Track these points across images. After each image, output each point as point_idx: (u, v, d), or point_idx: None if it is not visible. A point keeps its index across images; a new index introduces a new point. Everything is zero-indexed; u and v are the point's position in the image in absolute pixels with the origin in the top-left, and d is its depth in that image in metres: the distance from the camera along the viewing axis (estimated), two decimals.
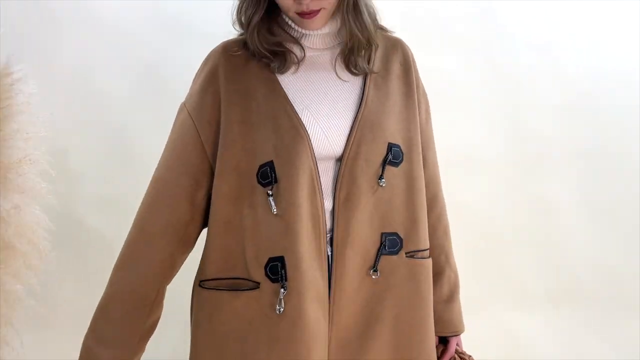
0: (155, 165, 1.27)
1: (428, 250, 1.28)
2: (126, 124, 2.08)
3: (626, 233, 2.32)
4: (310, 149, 1.16)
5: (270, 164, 1.17)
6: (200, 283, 1.23)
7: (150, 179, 1.26)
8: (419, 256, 1.25)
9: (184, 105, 1.27)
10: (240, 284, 1.19)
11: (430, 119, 1.37)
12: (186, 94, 1.29)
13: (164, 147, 1.27)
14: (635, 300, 2.31)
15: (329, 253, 1.18)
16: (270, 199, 1.16)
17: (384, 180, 1.20)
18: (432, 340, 1.26)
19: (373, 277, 1.19)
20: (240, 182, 1.19)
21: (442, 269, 1.34)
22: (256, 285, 1.17)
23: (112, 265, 1.23)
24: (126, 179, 1.98)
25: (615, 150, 2.32)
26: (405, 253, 1.23)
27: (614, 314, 2.30)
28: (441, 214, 1.37)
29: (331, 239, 1.18)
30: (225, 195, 1.21)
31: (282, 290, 1.13)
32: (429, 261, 1.27)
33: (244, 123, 1.20)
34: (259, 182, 1.18)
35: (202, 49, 1.28)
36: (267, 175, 1.17)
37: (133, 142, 2.08)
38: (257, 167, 1.18)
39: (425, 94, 1.36)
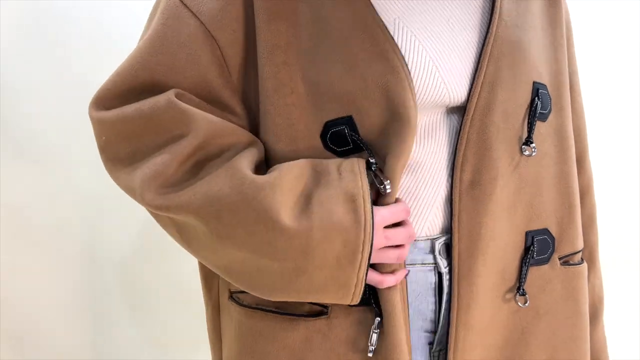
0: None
1: (581, 252, 0.83)
2: None
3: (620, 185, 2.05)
4: (411, 94, 0.68)
5: (349, 122, 0.69)
6: (232, 294, 0.78)
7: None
8: (575, 261, 0.80)
9: None
10: (296, 305, 0.73)
11: (572, 38, 0.87)
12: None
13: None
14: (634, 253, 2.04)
15: (444, 269, 0.73)
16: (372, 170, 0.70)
17: (534, 145, 0.72)
18: None
19: (520, 303, 0.73)
20: (297, 149, 0.71)
21: None
22: (322, 311, 0.72)
23: None
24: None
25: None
26: (559, 258, 0.78)
27: (613, 269, 2.04)
28: (587, 189, 0.89)
29: (447, 246, 0.73)
30: None
31: (377, 319, 0.69)
32: (585, 267, 0.82)
33: (294, 47, 0.71)
34: (330, 149, 0.70)
35: None
36: (344, 139, 0.69)
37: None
38: (322, 125, 0.70)
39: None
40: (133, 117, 0.70)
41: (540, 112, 0.74)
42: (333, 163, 0.69)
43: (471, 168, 0.71)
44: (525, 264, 0.73)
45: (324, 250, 0.64)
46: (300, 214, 0.64)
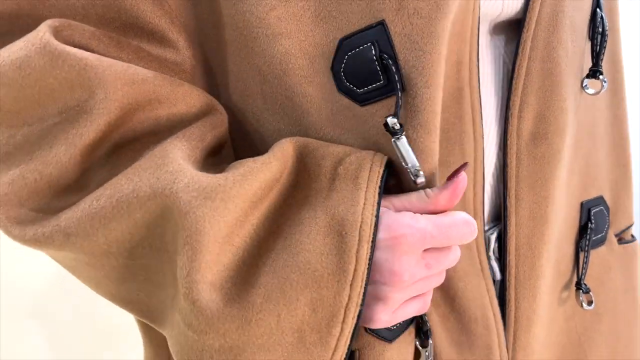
0: None
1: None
2: None
3: None
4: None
5: (379, 34, 0.40)
6: None
7: None
8: (628, 238, 0.63)
9: None
10: None
11: None
12: None
13: None
14: None
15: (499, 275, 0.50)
16: (401, 140, 0.40)
17: (603, 76, 0.50)
18: None
19: (585, 303, 0.54)
20: (287, 97, 0.43)
21: None
22: None
23: None
24: None
25: None
26: (615, 235, 0.60)
27: None
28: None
29: (498, 233, 0.50)
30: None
31: (425, 353, 0.46)
32: (638, 245, 0.64)
33: None
34: (345, 90, 0.41)
35: None
36: (369, 69, 0.40)
37: None
38: (334, 46, 0.41)
39: None
40: None
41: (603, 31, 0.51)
42: (332, 155, 0.41)
43: (533, 113, 0.47)
44: (584, 247, 0.53)
45: (277, 322, 0.37)
46: (237, 275, 0.38)
